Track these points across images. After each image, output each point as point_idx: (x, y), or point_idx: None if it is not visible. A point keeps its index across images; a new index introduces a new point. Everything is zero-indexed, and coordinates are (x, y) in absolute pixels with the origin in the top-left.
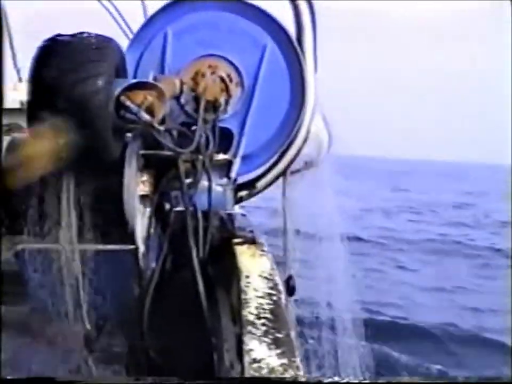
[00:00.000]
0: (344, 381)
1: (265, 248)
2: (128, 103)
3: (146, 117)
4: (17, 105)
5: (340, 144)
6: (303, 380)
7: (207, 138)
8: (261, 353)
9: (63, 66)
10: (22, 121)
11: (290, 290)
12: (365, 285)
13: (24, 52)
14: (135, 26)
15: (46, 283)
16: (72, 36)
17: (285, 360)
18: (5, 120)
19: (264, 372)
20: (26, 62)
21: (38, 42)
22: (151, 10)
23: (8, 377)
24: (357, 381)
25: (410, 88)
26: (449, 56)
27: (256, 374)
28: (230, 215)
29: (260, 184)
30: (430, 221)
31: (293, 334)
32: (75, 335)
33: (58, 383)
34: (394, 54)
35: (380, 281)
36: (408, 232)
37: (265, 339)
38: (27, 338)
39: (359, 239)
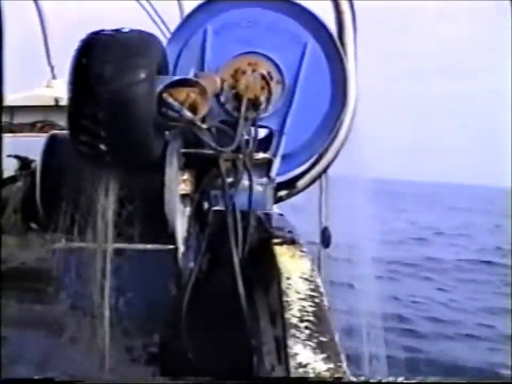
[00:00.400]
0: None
1: (305, 249)
2: (170, 100)
3: (189, 114)
4: (51, 102)
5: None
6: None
7: (248, 137)
8: (306, 358)
9: (105, 57)
10: (56, 118)
11: (326, 240)
12: None
13: (59, 50)
14: (172, 26)
15: (83, 283)
16: (114, 30)
17: (331, 365)
18: (39, 117)
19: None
20: (60, 60)
21: (75, 41)
22: (188, 9)
23: (8, 378)
24: (399, 380)
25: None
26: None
27: None
28: (267, 214)
29: (300, 183)
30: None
31: (337, 337)
32: (111, 336)
33: (58, 383)
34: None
35: None
36: None
37: (310, 343)
38: (61, 338)
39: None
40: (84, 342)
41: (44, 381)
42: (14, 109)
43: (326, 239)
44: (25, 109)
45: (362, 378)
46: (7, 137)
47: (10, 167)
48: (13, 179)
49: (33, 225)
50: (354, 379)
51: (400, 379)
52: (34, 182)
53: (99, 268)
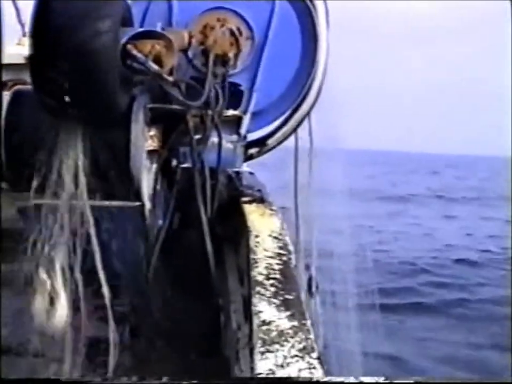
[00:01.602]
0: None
1: (275, 207)
2: (135, 52)
3: (154, 67)
4: (21, 61)
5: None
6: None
7: (217, 93)
8: (271, 315)
9: (68, 8)
10: (28, 77)
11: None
12: None
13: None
14: None
15: (51, 240)
16: None
17: (295, 323)
18: (10, 76)
19: (274, 335)
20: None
21: None
22: None
23: (9, 378)
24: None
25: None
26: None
27: (265, 337)
28: (238, 173)
29: (271, 141)
30: None
31: (303, 296)
32: (78, 294)
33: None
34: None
35: None
36: None
37: (275, 300)
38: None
39: None
40: (52, 301)
41: (47, 381)
42: None
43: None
44: None
45: (338, 379)
46: None
47: None
48: None
49: (3, 185)
50: (334, 379)
51: (381, 379)
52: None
53: (67, 225)
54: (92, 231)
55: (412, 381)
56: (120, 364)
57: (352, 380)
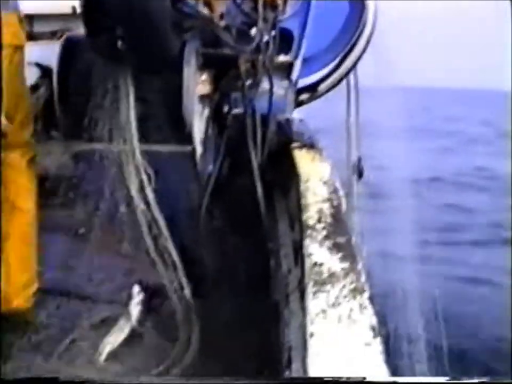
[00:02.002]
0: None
1: (324, 153)
2: None
3: (204, 11)
4: (69, 11)
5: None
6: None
7: (267, 38)
8: (321, 257)
9: None
10: (75, 27)
11: (360, 172)
12: None
13: None
14: None
15: (105, 187)
16: None
17: (345, 265)
18: (58, 26)
19: (325, 276)
20: None
21: None
22: None
23: (9, 378)
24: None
25: None
26: None
27: (317, 278)
28: (288, 120)
29: (322, 87)
30: None
31: (353, 239)
32: (132, 240)
33: (62, 383)
34: None
35: None
36: None
37: (326, 243)
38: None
39: None
40: (107, 246)
41: (48, 380)
42: (33, 18)
43: (359, 170)
44: (44, 17)
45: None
46: (28, 45)
47: (32, 75)
48: (34, 87)
49: (54, 133)
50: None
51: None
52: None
53: (119, 171)
54: (144, 177)
55: (476, 381)
56: (171, 309)
57: (414, 380)
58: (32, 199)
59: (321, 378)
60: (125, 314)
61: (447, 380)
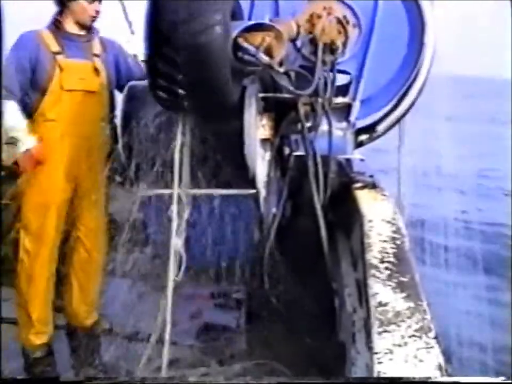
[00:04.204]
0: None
1: (386, 193)
2: (246, 44)
3: (265, 58)
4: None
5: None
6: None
7: (326, 81)
8: (386, 297)
9: (179, 14)
10: None
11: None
12: None
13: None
14: None
15: (166, 231)
16: None
17: (411, 304)
18: None
19: (390, 316)
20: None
21: None
22: None
23: (9, 377)
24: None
25: None
26: None
27: (382, 318)
28: (348, 160)
29: (380, 127)
30: None
31: (417, 277)
32: (196, 283)
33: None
34: None
35: None
36: None
37: (390, 283)
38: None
39: None
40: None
41: (48, 380)
42: None
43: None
44: None
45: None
46: None
47: None
48: None
49: (117, 178)
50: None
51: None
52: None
53: (181, 215)
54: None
55: (412, 380)
56: (239, 348)
57: (474, 380)
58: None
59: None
60: None
61: (503, 380)
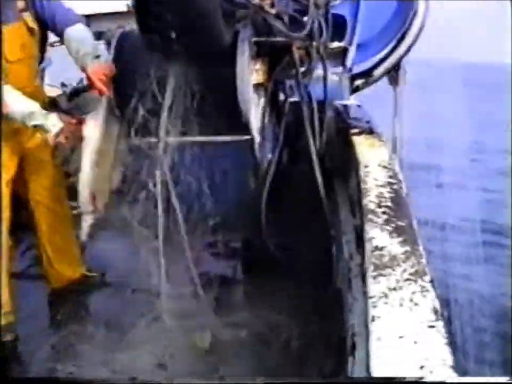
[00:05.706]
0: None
1: (383, 138)
2: None
3: None
4: (124, 9)
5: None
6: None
7: (320, 24)
8: (383, 241)
9: None
10: (131, 24)
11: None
12: None
13: None
14: None
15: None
16: None
17: (407, 248)
18: (114, 24)
19: (386, 260)
20: None
21: None
22: None
23: (10, 377)
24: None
25: None
26: None
27: (378, 262)
28: (345, 106)
29: (376, 72)
30: None
31: (414, 222)
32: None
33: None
34: None
35: None
36: None
37: (387, 227)
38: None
39: None
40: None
41: (48, 380)
42: (89, 17)
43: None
44: (99, 16)
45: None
46: None
47: None
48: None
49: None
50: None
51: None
52: None
53: (175, 163)
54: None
55: (411, 380)
56: (236, 298)
57: (474, 380)
58: None
59: (402, 379)
60: None
61: (508, 380)
